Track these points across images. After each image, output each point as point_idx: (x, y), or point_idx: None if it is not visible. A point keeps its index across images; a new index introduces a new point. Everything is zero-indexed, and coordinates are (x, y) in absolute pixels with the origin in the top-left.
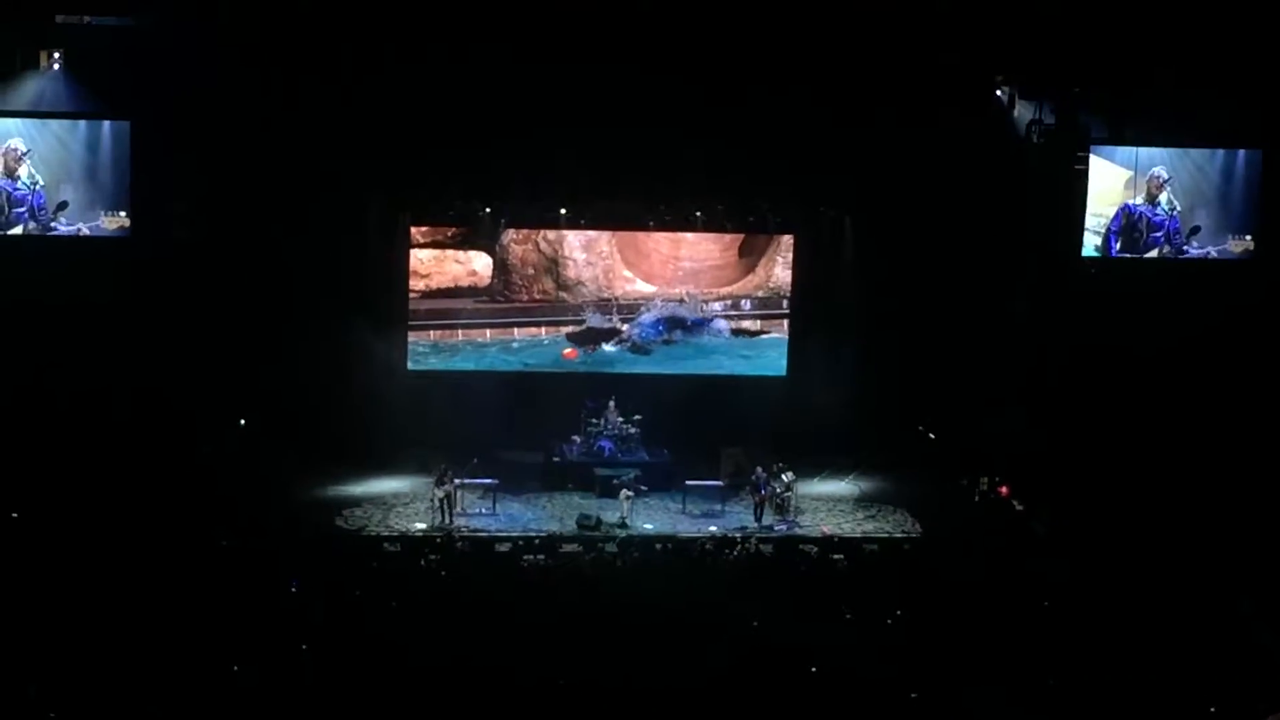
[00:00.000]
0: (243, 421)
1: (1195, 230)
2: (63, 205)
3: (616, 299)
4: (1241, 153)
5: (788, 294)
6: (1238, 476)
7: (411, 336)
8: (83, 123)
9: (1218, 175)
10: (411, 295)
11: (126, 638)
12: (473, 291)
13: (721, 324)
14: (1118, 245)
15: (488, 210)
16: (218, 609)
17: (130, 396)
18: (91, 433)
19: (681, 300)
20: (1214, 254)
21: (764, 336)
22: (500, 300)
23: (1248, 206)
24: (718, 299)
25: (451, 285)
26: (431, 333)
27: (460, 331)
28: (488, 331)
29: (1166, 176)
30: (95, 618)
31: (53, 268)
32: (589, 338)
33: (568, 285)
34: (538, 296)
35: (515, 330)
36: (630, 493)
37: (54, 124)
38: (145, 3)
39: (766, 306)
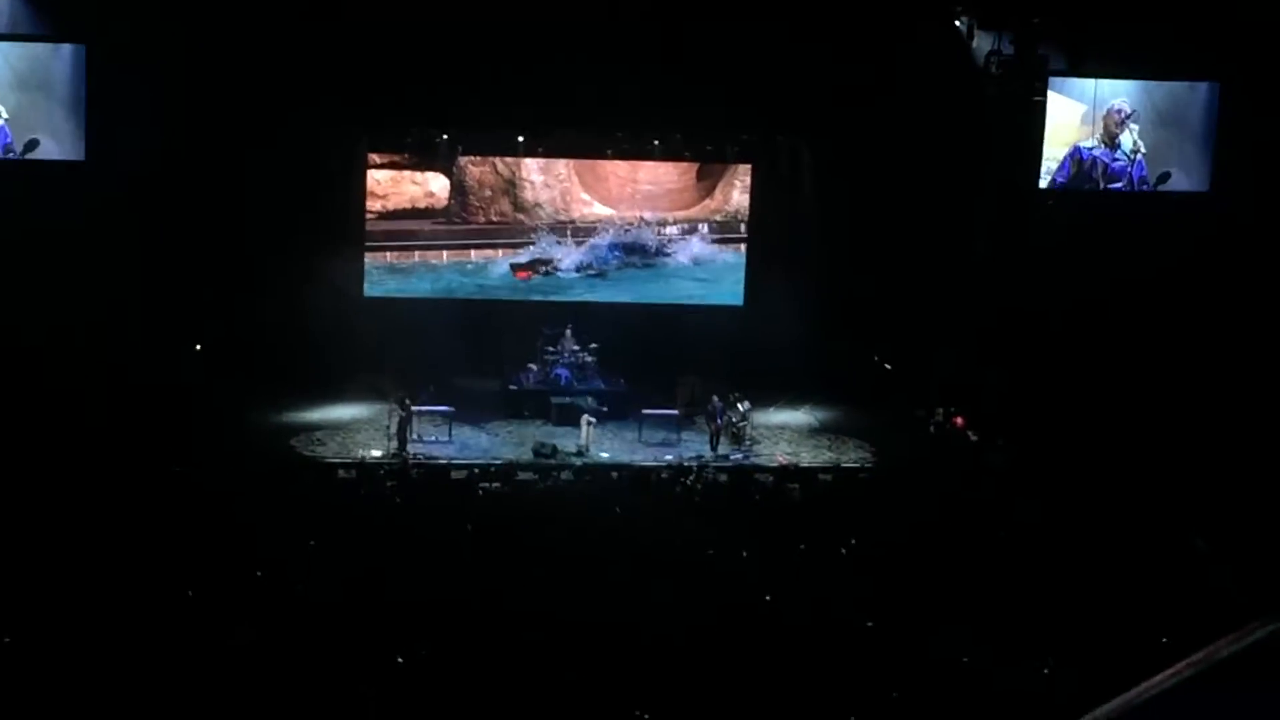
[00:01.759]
0: (198, 347)
1: (1165, 177)
2: (32, 144)
3: (574, 221)
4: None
5: (745, 218)
6: (1195, 412)
7: (368, 258)
8: (67, 49)
9: (1200, 111)
10: (368, 216)
11: (79, 566)
12: (429, 213)
13: (680, 248)
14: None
15: (444, 137)
16: (170, 537)
17: (84, 324)
18: (43, 361)
19: (639, 224)
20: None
21: (721, 261)
22: (457, 222)
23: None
24: (675, 223)
25: (408, 206)
26: (388, 254)
27: (416, 253)
28: (444, 254)
29: (1129, 111)
30: (47, 546)
31: (3, 194)
32: (535, 266)
33: (525, 208)
34: (495, 219)
35: (471, 252)
36: (592, 419)
37: (25, 51)
38: None
39: (724, 231)
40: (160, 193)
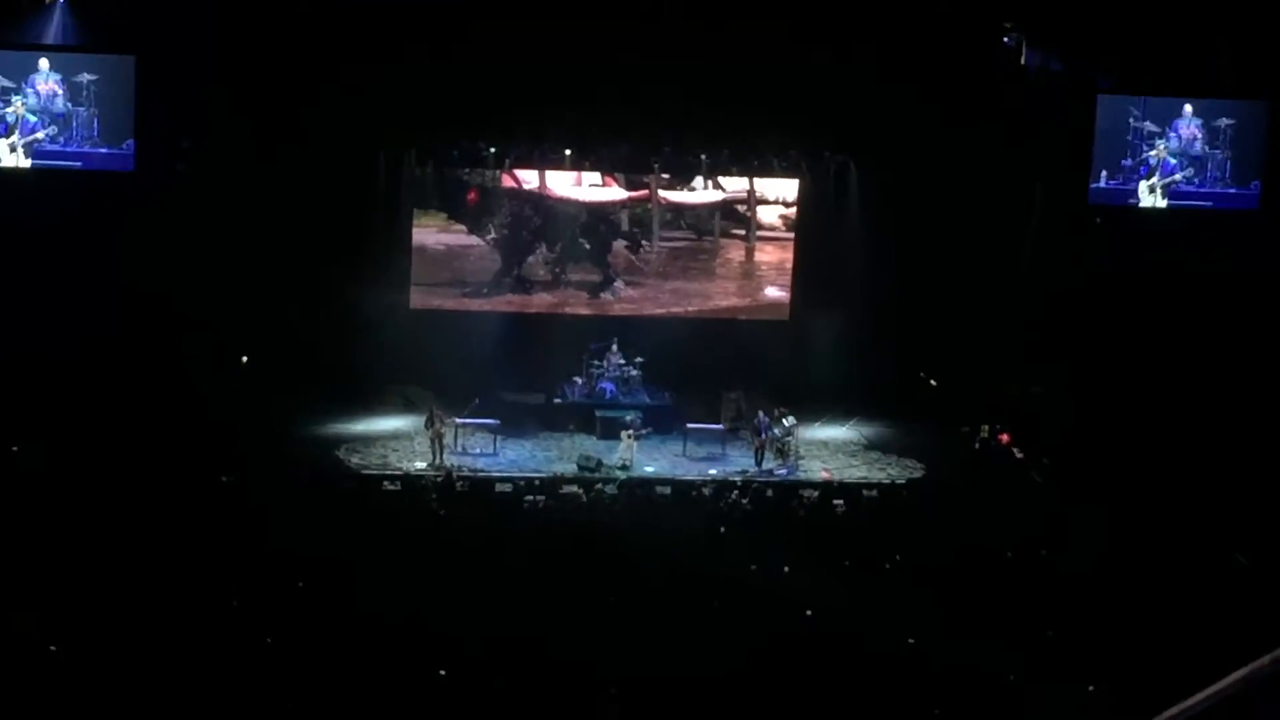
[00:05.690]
0: (245, 359)
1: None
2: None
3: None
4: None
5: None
6: (1238, 430)
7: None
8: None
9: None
10: None
11: (125, 574)
12: None
13: None
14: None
15: (492, 150)
16: (216, 546)
17: (130, 333)
18: (92, 368)
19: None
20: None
21: None
22: None
23: None
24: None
25: None
26: None
27: None
28: None
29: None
30: (95, 555)
31: (55, 202)
32: None
33: None
34: None
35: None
36: (633, 434)
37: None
38: None
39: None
40: (208, 204)
